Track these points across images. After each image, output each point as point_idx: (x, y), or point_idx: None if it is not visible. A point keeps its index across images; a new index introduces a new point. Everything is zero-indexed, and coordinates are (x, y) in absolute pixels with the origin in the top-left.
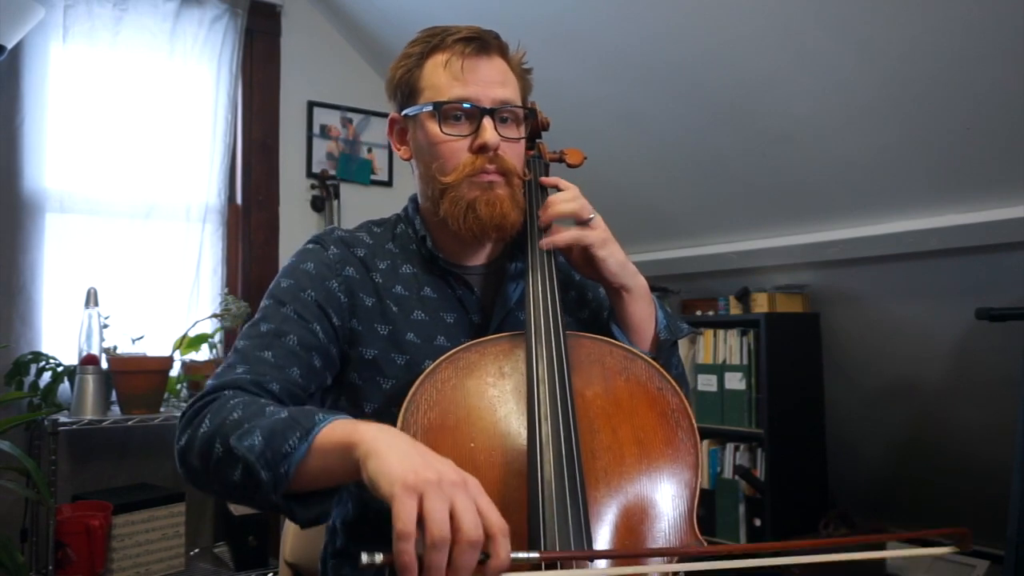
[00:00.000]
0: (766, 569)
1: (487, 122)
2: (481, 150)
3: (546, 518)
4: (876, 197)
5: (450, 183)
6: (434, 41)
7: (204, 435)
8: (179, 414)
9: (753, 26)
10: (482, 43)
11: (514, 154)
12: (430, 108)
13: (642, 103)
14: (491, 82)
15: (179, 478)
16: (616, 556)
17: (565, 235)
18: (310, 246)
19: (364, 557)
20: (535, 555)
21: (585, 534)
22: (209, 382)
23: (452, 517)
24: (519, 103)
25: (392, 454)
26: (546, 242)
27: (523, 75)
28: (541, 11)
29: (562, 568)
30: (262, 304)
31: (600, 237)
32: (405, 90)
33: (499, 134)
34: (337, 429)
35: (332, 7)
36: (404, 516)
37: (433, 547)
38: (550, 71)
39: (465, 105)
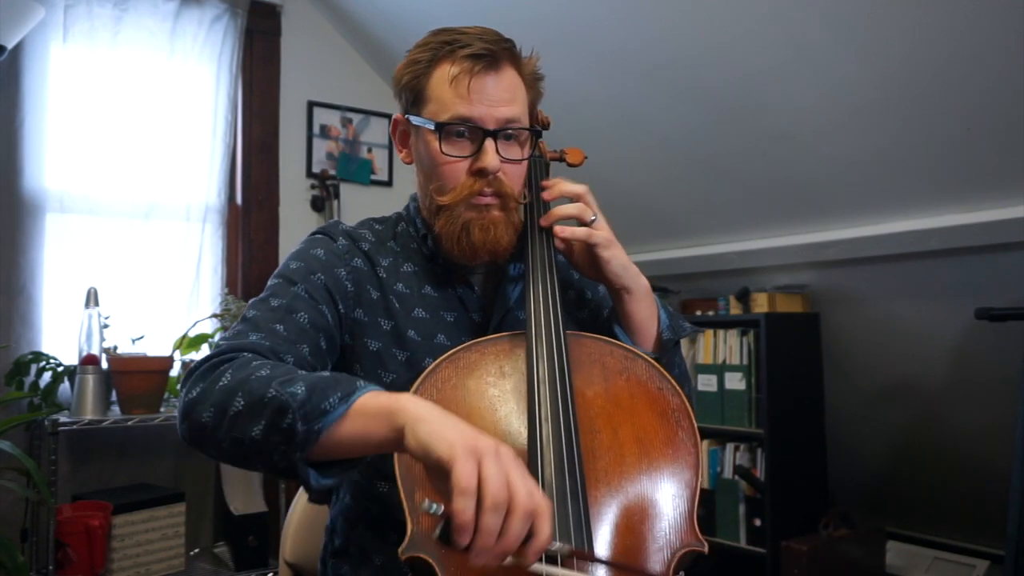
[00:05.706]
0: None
1: (488, 145)
2: (480, 173)
3: None
4: (876, 197)
5: (446, 204)
6: (443, 51)
7: (224, 388)
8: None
9: (753, 26)
10: (492, 59)
11: (515, 175)
12: (432, 127)
13: (642, 103)
14: (498, 100)
15: (179, 478)
16: (637, 572)
17: (578, 230)
18: (318, 235)
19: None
20: (567, 547)
21: (586, 534)
22: (221, 343)
23: (507, 486)
24: (526, 119)
25: (446, 422)
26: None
27: (533, 84)
28: (541, 11)
29: (562, 566)
30: (269, 283)
31: (606, 237)
32: (410, 96)
33: (501, 155)
34: (381, 396)
35: (332, 7)
36: (467, 473)
37: (491, 509)
38: (549, 71)
39: (468, 124)
